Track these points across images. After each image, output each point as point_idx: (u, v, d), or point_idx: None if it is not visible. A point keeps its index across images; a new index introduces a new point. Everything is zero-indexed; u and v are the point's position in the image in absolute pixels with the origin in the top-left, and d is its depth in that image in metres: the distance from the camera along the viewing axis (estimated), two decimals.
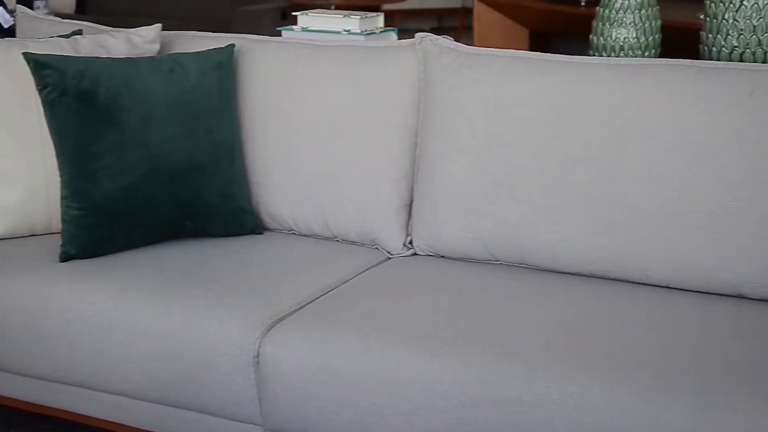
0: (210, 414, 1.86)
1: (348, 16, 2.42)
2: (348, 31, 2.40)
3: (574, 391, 1.55)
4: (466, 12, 6.39)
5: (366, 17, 2.42)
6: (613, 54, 2.20)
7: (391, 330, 1.74)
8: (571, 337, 1.69)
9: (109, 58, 2.14)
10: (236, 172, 2.18)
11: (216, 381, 1.81)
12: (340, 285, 1.97)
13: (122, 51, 2.21)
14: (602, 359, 1.60)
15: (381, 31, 2.44)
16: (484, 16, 3.90)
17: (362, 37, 2.38)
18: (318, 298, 1.91)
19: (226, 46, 2.21)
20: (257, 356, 1.77)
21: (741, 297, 1.85)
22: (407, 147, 2.14)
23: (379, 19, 2.46)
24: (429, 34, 2.15)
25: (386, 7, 6.53)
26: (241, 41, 2.29)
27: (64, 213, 2.06)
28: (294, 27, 2.49)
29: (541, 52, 2.08)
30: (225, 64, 2.18)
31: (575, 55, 2.04)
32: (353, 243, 2.19)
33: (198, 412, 1.87)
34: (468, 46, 2.11)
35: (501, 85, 2.00)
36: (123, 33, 2.26)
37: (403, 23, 7.08)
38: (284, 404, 1.76)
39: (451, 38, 2.15)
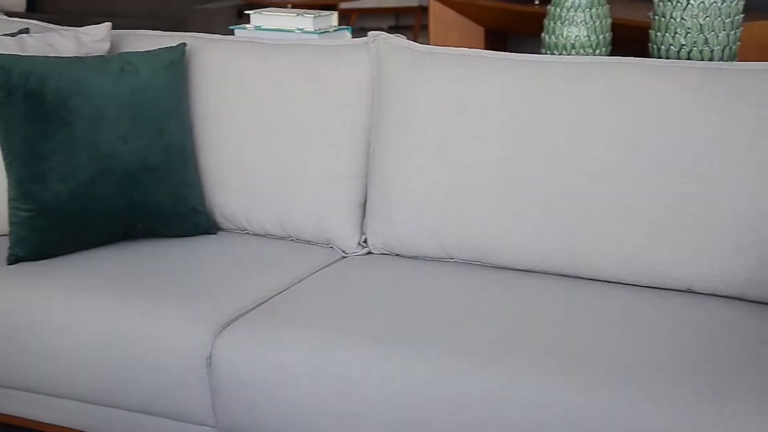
0: (163, 416, 1.84)
1: (301, 14, 2.41)
2: (301, 29, 2.39)
3: (526, 388, 1.56)
4: (423, 11, 6.41)
5: (319, 16, 2.41)
6: (564, 52, 2.22)
7: (345, 329, 1.73)
8: (524, 334, 1.70)
9: (57, 57, 2.11)
10: (189, 173, 2.16)
11: (168, 383, 1.79)
12: (293, 285, 1.96)
13: (71, 50, 2.18)
14: (554, 355, 1.62)
15: (335, 30, 2.43)
16: (439, 15, 3.91)
17: (316, 36, 2.37)
18: (271, 298, 1.90)
19: (177, 45, 2.19)
20: (210, 357, 1.76)
21: (690, 292, 1.87)
22: (361, 145, 2.14)
23: (333, 18, 2.46)
24: (382, 32, 2.15)
25: (343, 5, 6.52)
26: (193, 40, 2.27)
27: (12, 215, 2.02)
28: (247, 26, 2.47)
29: (497, 50, 2.09)
30: (176, 63, 2.16)
31: (530, 52, 2.05)
32: (307, 242, 2.19)
33: (150, 414, 1.85)
34: (421, 45, 2.12)
35: (454, 83, 2.01)
36: (72, 32, 2.23)
37: (360, 22, 7.08)
38: (238, 405, 1.75)
39: (404, 37, 2.15)
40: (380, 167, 2.10)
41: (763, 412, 1.44)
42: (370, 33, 2.16)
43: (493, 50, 2.10)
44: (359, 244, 2.14)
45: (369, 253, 2.14)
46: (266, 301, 1.89)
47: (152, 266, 2.01)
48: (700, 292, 1.86)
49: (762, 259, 1.78)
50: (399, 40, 2.12)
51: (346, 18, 6.73)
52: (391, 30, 2.19)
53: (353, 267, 2.05)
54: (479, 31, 4.00)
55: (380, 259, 2.10)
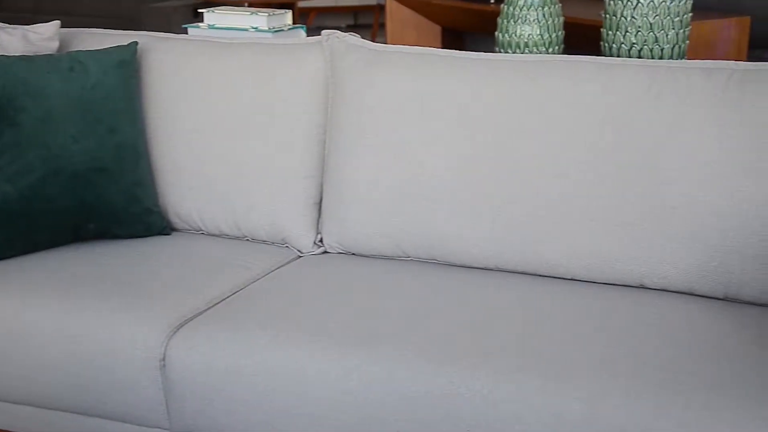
0: (116, 420, 1.82)
1: (255, 13, 2.40)
2: (256, 28, 2.38)
3: (481, 385, 1.57)
4: (382, 9, 6.41)
5: (274, 14, 2.40)
6: (518, 50, 2.23)
7: (300, 329, 1.73)
8: (480, 332, 1.70)
9: (4, 56, 2.07)
10: (141, 173, 2.14)
11: (122, 386, 1.77)
12: (248, 285, 1.95)
13: (18, 49, 2.14)
14: (508, 352, 1.63)
15: (290, 29, 2.42)
16: (396, 14, 3.91)
17: (270, 35, 2.36)
18: (226, 298, 1.89)
19: (128, 44, 2.16)
20: (163, 359, 1.74)
21: (642, 287, 1.89)
22: (316, 144, 2.13)
23: (288, 16, 2.45)
24: (336, 31, 2.15)
25: (301, 4, 6.50)
26: (145, 39, 2.25)
27: None
28: (201, 24, 2.45)
29: (454, 48, 2.10)
30: (128, 62, 2.13)
31: (485, 51, 2.06)
32: (263, 242, 2.18)
33: (104, 418, 1.83)
34: (375, 44, 2.12)
35: (408, 82, 2.01)
36: (19, 30, 2.19)
37: (319, 20, 7.07)
38: (192, 407, 1.74)
39: (359, 35, 2.15)
40: (335, 166, 2.09)
41: (714, 406, 1.46)
42: (324, 31, 2.15)
43: (450, 49, 2.11)
44: (315, 243, 2.14)
45: (325, 252, 2.13)
46: (221, 301, 1.87)
47: (105, 267, 1.99)
48: (651, 287, 1.88)
49: (711, 254, 1.81)
50: (353, 39, 2.12)
51: (304, 17, 6.72)
52: (350, 28, 2.19)
53: (309, 266, 2.05)
54: (436, 29, 4.01)
55: (336, 259, 2.10)
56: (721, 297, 1.84)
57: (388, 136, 2.02)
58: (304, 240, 2.13)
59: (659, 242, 1.85)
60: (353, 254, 2.11)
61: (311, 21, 6.77)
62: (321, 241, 2.14)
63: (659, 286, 1.88)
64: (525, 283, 1.92)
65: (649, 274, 1.87)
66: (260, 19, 2.37)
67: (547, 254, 1.92)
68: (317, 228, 2.14)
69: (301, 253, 2.13)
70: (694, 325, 1.73)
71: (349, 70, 2.07)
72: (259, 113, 2.14)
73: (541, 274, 1.95)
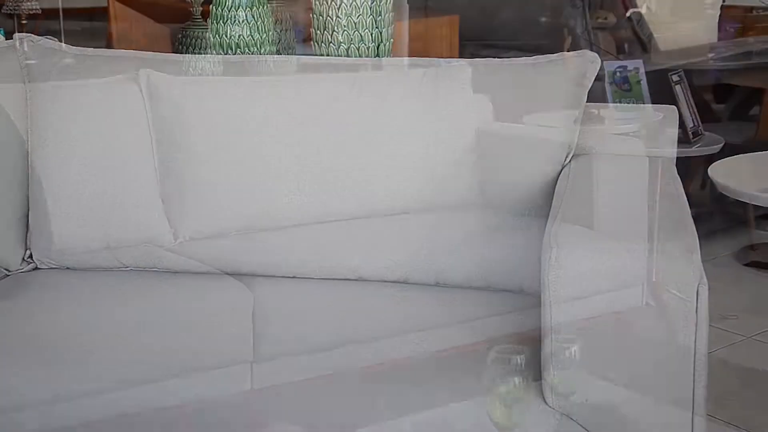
0: None
1: None
2: None
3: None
4: None
5: None
6: (230, 51, 2.22)
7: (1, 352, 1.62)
8: (195, 338, 1.68)
9: None
10: None
11: None
12: None
13: None
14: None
15: None
16: (120, 15, 3.77)
17: None
18: None
19: None
20: None
21: (361, 280, 1.93)
22: (17, 155, 2.00)
23: None
24: (30, 34, 2.04)
25: (27, 5, 6.12)
26: None
27: None
28: None
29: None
30: None
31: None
32: None
33: None
34: (72, 47, 2.03)
35: (108, 86, 1.94)
36: None
37: (49, 24, 6.68)
38: None
39: (55, 39, 2.05)
40: (40, 177, 1.97)
41: (403, 391, 1.52)
42: (16, 35, 2.03)
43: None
44: (24, 260, 2.01)
45: (36, 268, 2.01)
46: None
47: None
48: (370, 279, 1.93)
49: (420, 244, 1.89)
50: (48, 43, 2.02)
51: (31, 20, 6.33)
52: (85, 32, 2.12)
53: (16, 286, 1.93)
54: (165, 32, 3.91)
55: (48, 274, 1.98)
56: (433, 283, 1.92)
57: (95, 142, 1.94)
58: (12, 257, 2.00)
59: (372, 236, 1.91)
60: (68, 268, 2.00)
61: (38, 26, 6.39)
62: (31, 257, 2.02)
63: (377, 277, 1.93)
64: (237, 284, 1.91)
65: (366, 266, 1.92)
66: None
67: (263, 253, 1.93)
68: (26, 243, 2.02)
69: (9, 271, 2.00)
70: (409, 312, 1.80)
71: (47, 75, 1.97)
72: None
73: (259, 273, 1.95)
